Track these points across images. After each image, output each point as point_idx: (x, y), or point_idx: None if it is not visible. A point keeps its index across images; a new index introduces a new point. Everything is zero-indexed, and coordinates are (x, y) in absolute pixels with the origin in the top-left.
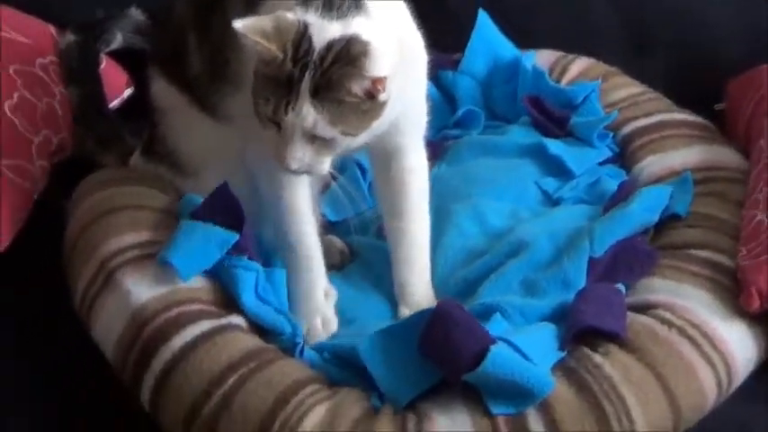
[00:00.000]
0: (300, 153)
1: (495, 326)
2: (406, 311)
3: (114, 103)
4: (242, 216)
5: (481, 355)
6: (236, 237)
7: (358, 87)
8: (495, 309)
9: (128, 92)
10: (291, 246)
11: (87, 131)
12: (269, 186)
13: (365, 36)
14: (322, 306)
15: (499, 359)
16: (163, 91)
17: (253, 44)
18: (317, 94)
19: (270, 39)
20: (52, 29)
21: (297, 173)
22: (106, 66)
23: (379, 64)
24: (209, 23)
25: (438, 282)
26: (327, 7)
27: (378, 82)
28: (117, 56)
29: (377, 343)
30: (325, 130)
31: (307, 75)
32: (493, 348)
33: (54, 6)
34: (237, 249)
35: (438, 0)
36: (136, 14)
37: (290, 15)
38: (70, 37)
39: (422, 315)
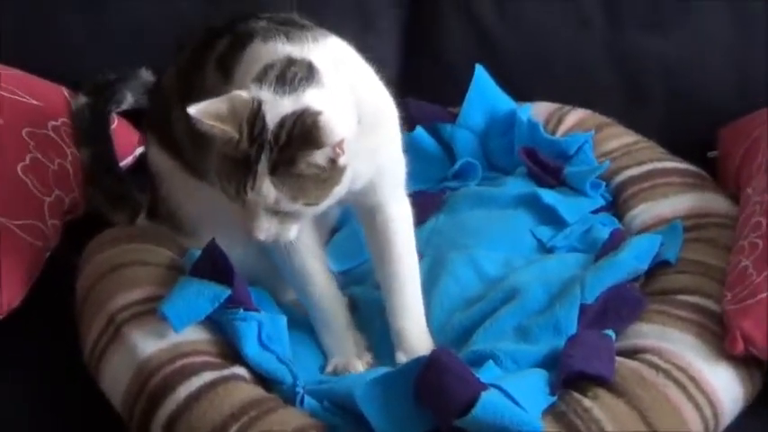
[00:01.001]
0: (266, 225)
1: (488, 372)
2: (402, 357)
3: (126, 161)
4: (231, 271)
5: (472, 401)
6: (228, 292)
7: (316, 159)
8: (489, 356)
9: (139, 150)
10: (313, 304)
11: (98, 190)
12: (277, 250)
13: (316, 107)
14: (354, 345)
15: (489, 405)
16: (156, 156)
17: (209, 127)
18: (276, 171)
19: (225, 120)
20: (65, 91)
21: (266, 242)
22: (118, 125)
23: (333, 131)
24: (191, 96)
25: (435, 328)
26: (280, 83)
27: (336, 146)
28: (128, 115)
29: (373, 389)
30: (287, 205)
31: (263, 154)
32: (483, 395)
33: (66, 69)
34: (234, 302)
35: (435, 54)
36: (146, 75)
37: (244, 94)
38: (82, 99)
39: (417, 362)
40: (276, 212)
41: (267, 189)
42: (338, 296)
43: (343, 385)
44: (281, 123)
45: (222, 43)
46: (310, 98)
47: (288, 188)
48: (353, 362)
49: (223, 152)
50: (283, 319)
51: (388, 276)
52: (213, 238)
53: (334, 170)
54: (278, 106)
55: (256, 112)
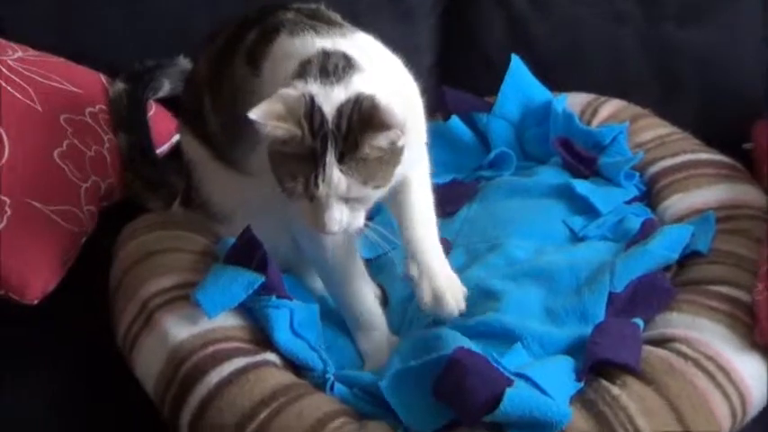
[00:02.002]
0: (338, 216)
1: (515, 357)
2: (414, 269)
3: (163, 149)
4: (265, 258)
5: (497, 398)
6: (262, 279)
7: (380, 141)
8: (516, 336)
9: (176, 137)
10: (349, 305)
11: (135, 176)
12: (313, 248)
13: (368, 91)
14: (389, 348)
15: (516, 399)
16: (189, 144)
17: (272, 129)
18: (343, 159)
19: (284, 119)
20: (103, 77)
21: (337, 233)
22: (155, 112)
23: (391, 112)
24: (221, 86)
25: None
26: (324, 74)
27: (396, 128)
28: (166, 102)
29: (396, 381)
30: (358, 190)
31: (329, 145)
32: (508, 391)
33: (105, 56)
34: (267, 290)
35: (472, 43)
36: (183, 63)
37: (291, 91)
38: (120, 85)
39: (439, 360)
40: (346, 201)
41: (338, 178)
42: (374, 299)
43: (369, 376)
44: (340, 112)
45: (251, 35)
46: (359, 84)
47: (357, 173)
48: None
49: (282, 151)
50: (316, 307)
51: (400, 203)
52: (249, 225)
53: (394, 151)
54: (331, 96)
55: (311, 106)
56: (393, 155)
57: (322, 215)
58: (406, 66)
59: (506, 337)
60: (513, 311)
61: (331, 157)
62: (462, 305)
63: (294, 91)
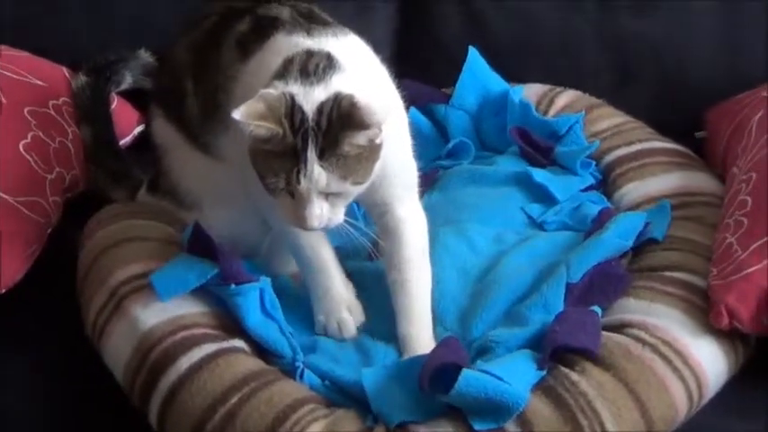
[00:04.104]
0: (318, 211)
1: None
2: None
3: (126, 140)
4: (216, 250)
5: (455, 375)
6: (215, 270)
7: (359, 139)
8: (484, 347)
9: (138, 129)
10: (307, 257)
11: (99, 168)
12: (282, 230)
13: (348, 91)
14: (346, 298)
15: (472, 380)
16: (162, 128)
17: (254, 128)
18: (323, 155)
19: (266, 118)
20: (65, 71)
21: (317, 228)
22: (117, 105)
23: (370, 110)
24: (205, 70)
25: (438, 312)
26: (305, 74)
27: (375, 127)
28: (127, 95)
29: (380, 376)
30: (338, 185)
31: (309, 141)
32: (465, 371)
33: (67, 49)
34: (226, 279)
35: (429, 35)
36: (144, 56)
37: (272, 91)
38: (82, 78)
39: (422, 358)
40: (326, 198)
41: (318, 173)
42: (336, 264)
43: (343, 371)
44: (320, 110)
45: (243, 24)
46: (338, 83)
47: (337, 169)
48: (344, 313)
49: (264, 149)
50: (287, 280)
51: (395, 282)
52: (196, 221)
53: (373, 148)
54: (311, 96)
55: (292, 105)
56: (372, 151)
57: (303, 210)
58: None
59: (477, 351)
60: (482, 325)
61: (312, 154)
62: None
63: (274, 90)
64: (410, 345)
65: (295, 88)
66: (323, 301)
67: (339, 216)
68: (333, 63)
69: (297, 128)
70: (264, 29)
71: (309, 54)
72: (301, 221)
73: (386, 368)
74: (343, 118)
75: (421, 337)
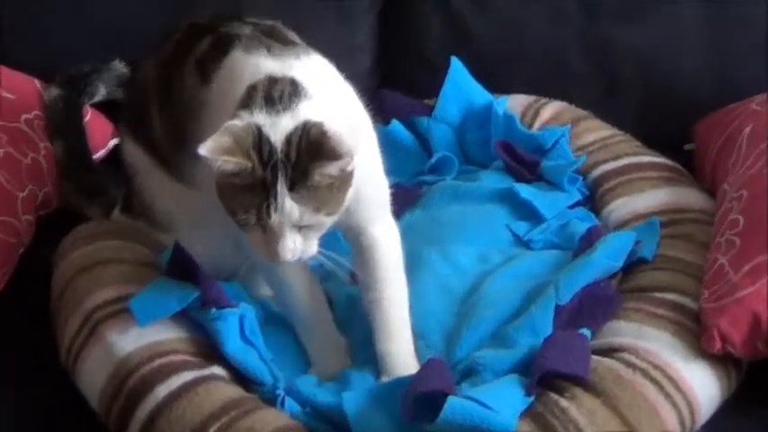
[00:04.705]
0: (291, 244)
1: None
2: (385, 381)
3: (100, 154)
4: (197, 272)
5: (441, 402)
6: (196, 293)
7: (330, 170)
8: (469, 368)
9: (112, 142)
10: (295, 309)
11: (72, 184)
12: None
13: (315, 118)
14: (337, 351)
15: (458, 408)
16: (130, 149)
17: (222, 163)
18: (294, 187)
19: (233, 152)
20: (37, 83)
21: (290, 261)
22: (91, 117)
23: (340, 140)
24: (169, 94)
25: (415, 326)
26: (270, 103)
27: (346, 157)
28: (101, 107)
29: (361, 400)
30: (310, 218)
31: (279, 174)
32: (450, 398)
33: (39, 61)
34: (207, 303)
35: (411, 45)
36: (119, 67)
37: (238, 123)
38: (54, 91)
39: (407, 381)
40: (299, 229)
41: (290, 206)
42: (321, 300)
43: (324, 395)
44: (288, 141)
45: (203, 44)
46: (305, 111)
47: (308, 201)
48: (336, 370)
49: (232, 184)
50: (253, 315)
51: (372, 301)
52: (176, 241)
53: (345, 177)
54: (278, 125)
55: (259, 137)
56: (343, 181)
57: (275, 245)
58: (343, 70)
59: (462, 373)
60: (467, 346)
61: (282, 187)
62: None
63: (239, 122)
64: (389, 362)
65: (261, 118)
66: (318, 352)
67: (313, 248)
68: (298, 90)
69: (266, 161)
70: (222, 46)
71: (273, 81)
72: (274, 255)
73: (367, 392)
74: (313, 148)
75: (401, 353)
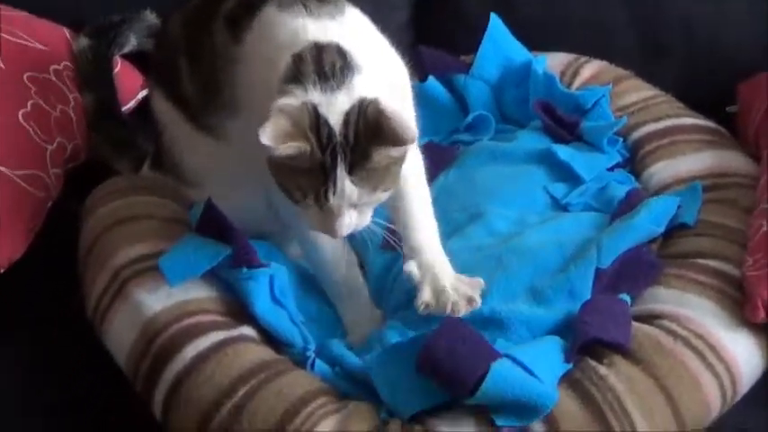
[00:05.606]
0: (348, 221)
1: (498, 347)
2: (413, 267)
3: (129, 106)
4: (231, 229)
5: (483, 374)
6: (228, 251)
7: (392, 153)
8: (503, 321)
9: (142, 94)
10: (330, 274)
11: (101, 137)
12: (293, 218)
13: (370, 94)
14: (371, 320)
15: (501, 377)
16: (160, 105)
17: (283, 150)
18: (353, 170)
19: (292, 136)
20: (66, 32)
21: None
22: (121, 68)
23: (401, 121)
24: (199, 50)
25: None
26: (323, 78)
27: (410, 143)
28: (131, 58)
29: (383, 360)
30: (369, 197)
31: (338, 158)
32: (493, 366)
33: (68, 9)
34: (239, 261)
35: (452, 1)
36: (150, 17)
37: (293, 101)
38: (84, 41)
39: (429, 334)
40: (355, 206)
41: (350, 189)
42: (354, 265)
43: (352, 357)
44: (346, 122)
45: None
46: (360, 87)
47: (367, 182)
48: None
49: (288, 165)
50: (285, 275)
51: (398, 208)
52: (210, 198)
53: (403, 154)
54: (334, 105)
55: (316, 118)
56: (401, 158)
57: (333, 223)
58: (379, 25)
59: (493, 323)
60: (499, 295)
61: (341, 171)
62: (477, 301)
63: (295, 100)
64: (422, 254)
65: (316, 96)
66: (351, 319)
67: (367, 219)
68: (348, 62)
69: (324, 143)
70: (252, 3)
71: (320, 50)
72: (330, 232)
73: (387, 353)
74: (372, 129)
75: (433, 247)
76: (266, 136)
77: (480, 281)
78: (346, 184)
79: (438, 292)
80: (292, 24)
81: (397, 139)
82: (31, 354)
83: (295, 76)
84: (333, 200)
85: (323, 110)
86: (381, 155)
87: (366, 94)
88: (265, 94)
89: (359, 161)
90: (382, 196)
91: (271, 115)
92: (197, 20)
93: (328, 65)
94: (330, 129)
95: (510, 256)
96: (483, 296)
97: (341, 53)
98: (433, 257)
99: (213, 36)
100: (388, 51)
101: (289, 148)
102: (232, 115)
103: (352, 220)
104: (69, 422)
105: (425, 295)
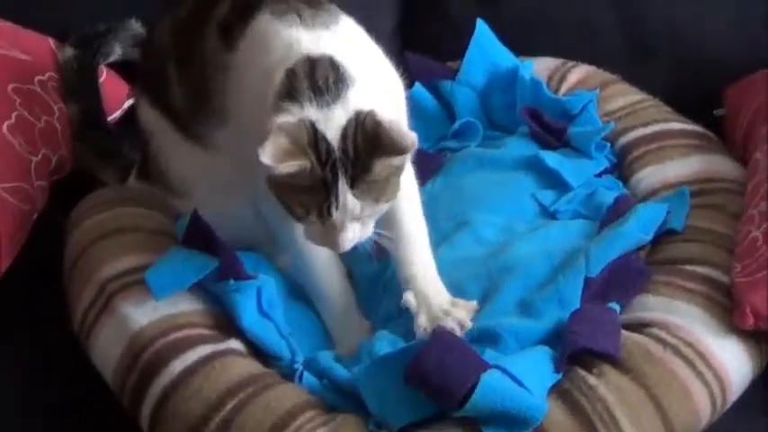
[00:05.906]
0: (351, 234)
1: (488, 358)
2: (410, 297)
3: (115, 115)
4: (216, 242)
5: (473, 385)
6: (215, 263)
7: (393, 162)
8: (491, 334)
9: (128, 103)
10: (318, 286)
11: (87, 147)
12: (281, 227)
13: (365, 106)
14: (359, 331)
15: (489, 389)
16: (146, 113)
17: (282, 168)
18: (354, 183)
19: (292, 154)
20: (51, 42)
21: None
22: (106, 78)
23: (399, 130)
24: (189, 56)
25: None
26: (318, 92)
27: (409, 151)
28: (117, 67)
29: (371, 372)
30: (371, 208)
31: (339, 173)
32: (484, 377)
33: (53, 19)
34: (226, 274)
35: (436, 7)
36: (135, 26)
37: (289, 119)
38: (69, 51)
39: (416, 347)
40: (357, 219)
41: (352, 203)
42: (343, 276)
43: (340, 369)
44: (344, 136)
45: (223, 7)
46: (355, 99)
47: (369, 195)
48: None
49: (289, 183)
50: (272, 287)
51: (394, 231)
52: (195, 209)
53: (403, 163)
54: (331, 120)
55: (314, 135)
56: (401, 167)
57: (336, 237)
58: (366, 31)
59: (482, 335)
60: (491, 311)
61: (343, 185)
62: (468, 325)
63: (292, 118)
64: (416, 285)
65: (312, 112)
66: (338, 331)
67: (369, 230)
68: (341, 74)
69: (324, 159)
70: (247, 9)
71: (312, 64)
72: (334, 246)
73: (375, 365)
74: (371, 141)
75: (427, 276)
76: (266, 155)
77: (474, 304)
78: (348, 198)
79: (433, 318)
80: (286, 34)
81: (398, 148)
82: (31, 354)
83: (290, 92)
84: (336, 215)
85: (320, 126)
86: (382, 165)
87: (361, 106)
88: (256, 103)
89: (360, 174)
90: (384, 207)
91: (270, 134)
92: (187, 26)
93: (321, 79)
94: (329, 144)
95: (500, 273)
96: (476, 315)
97: (334, 66)
98: (427, 285)
99: (205, 44)
100: (381, 61)
101: (289, 167)
102: (221, 124)
103: (356, 233)
104: (69, 422)
105: (422, 322)
